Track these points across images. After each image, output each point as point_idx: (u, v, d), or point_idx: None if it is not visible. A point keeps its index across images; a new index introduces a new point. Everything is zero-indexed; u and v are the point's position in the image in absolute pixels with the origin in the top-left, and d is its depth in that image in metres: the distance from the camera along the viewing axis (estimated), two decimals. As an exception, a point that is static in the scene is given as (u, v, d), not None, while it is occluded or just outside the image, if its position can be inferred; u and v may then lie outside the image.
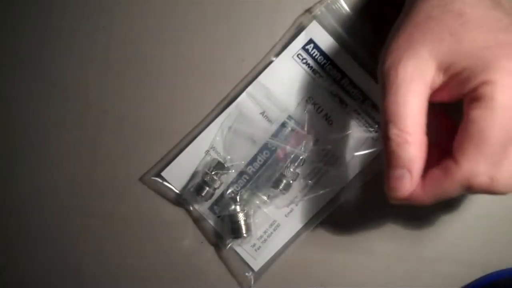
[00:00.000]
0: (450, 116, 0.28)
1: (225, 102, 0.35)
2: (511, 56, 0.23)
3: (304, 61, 0.35)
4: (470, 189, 0.25)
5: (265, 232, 0.35)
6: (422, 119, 0.25)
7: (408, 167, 0.25)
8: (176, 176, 0.36)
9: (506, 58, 0.23)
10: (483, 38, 0.24)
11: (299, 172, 0.34)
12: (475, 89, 0.24)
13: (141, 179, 0.36)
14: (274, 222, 0.35)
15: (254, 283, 0.35)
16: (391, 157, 0.26)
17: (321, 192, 0.34)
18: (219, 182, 0.35)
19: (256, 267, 0.35)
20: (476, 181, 0.24)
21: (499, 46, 0.24)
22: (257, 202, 0.35)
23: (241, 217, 0.34)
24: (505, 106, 0.23)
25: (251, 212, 0.35)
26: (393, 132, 0.25)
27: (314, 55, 0.35)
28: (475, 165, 0.24)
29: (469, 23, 0.25)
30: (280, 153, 0.35)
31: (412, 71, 0.25)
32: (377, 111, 0.34)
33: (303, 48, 0.35)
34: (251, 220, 0.35)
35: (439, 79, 0.26)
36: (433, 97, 0.26)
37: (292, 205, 0.35)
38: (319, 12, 0.34)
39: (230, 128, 0.35)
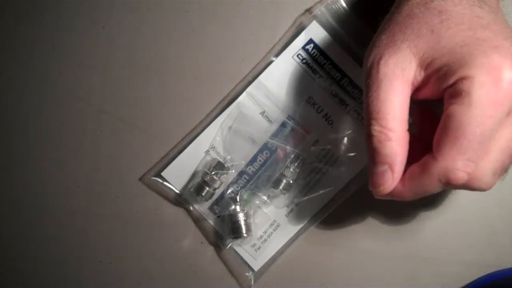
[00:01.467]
0: (434, 113, 0.28)
1: (225, 102, 0.36)
2: (489, 53, 0.23)
3: (304, 61, 0.35)
4: (449, 185, 0.25)
5: (265, 232, 0.35)
6: (404, 115, 0.26)
7: (389, 163, 0.26)
8: (176, 176, 0.36)
9: (484, 55, 0.23)
10: (462, 35, 0.24)
11: (299, 172, 0.34)
12: (453, 85, 0.24)
13: (141, 179, 0.36)
14: (274, 222, 0.35)
15: (254, 283, 0.35)
16: (374, 154, 0.26)
17: (321, 192, 0.34)
18: (219, 182, 0.35)
19: (256, 267, 0.35)
20: (453, 176, 0.24)
21: (478, 43, 0.24)
22: (257, 202, 0.35)
23: (241, 217, 0.34)
24: (482, 102, 0.23)
25: (251, 212, 0.35)
26: (375, 128, 0.26)
27: (314, 55, 0.35)
28: (452, 161, 0.24)
29: (449, 21, 0.25)
30: (280, 153, 0.35)
31: (393, 68, 0.26)
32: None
33: (303, 48, 0.35)
34: (251, 220, 0.35)
35: (420, 76, 0.26)
36: (417, 94, 0.27)
37: (292, 205, 0.35)
38: (319, 12, 0.34)
39: (230, 128, 0.35)
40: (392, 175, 0.26)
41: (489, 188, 0.25)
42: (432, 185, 0.25)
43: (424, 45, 0.25)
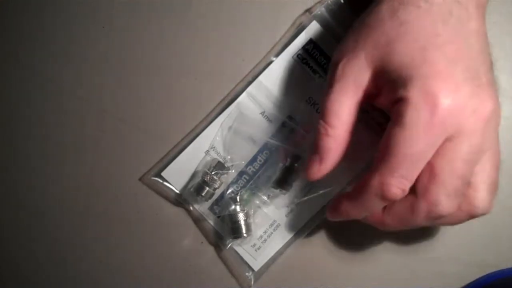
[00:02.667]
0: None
1: (225, 102, 0.36)
2: (431, 77, 0.24)
3: (304, 61, 0.35)
4: (386, 200, 0.26)
5: (265, 232, 0.35)
6: (348, 118, 0.27)
7: (320, 155, 0.28)
8: (176, 176, 0.36)
9: (424, 79, 0.24)
10: (412, 54, 0.25)
11: (299, 172, 0.34)
12: (395, 104, 0.25)
13: (141, 179, 0.36)
14: (274, 222, 0.35)
15: (254, 283, 0.35)
16: (313, 143, 0.28)
17: (321, 192, 0.34)
18: (219, 182, 0.35)
19: (256, 267, 0.35)
20: (387, 191, 0.25)
21: (423, 65, 0.24)
22: (257, 202, 0.35)
23: (241, 217, 0.34)
24: (414, 125, 0.24)
25: (251, 212, 0.35)
26: (320, 122, 0.28)
27: (314, 55, 0.35)
28: (385, 177, 0.25)
29: (406, 35, 0.25)
30: (280, 153, 0.35)
31: (348, 72, 0.27)
32: (377, 111, 0.34)
33: (303, 48, 0.35)
34: (251, 220, 0.35)
35: (372, 85, 0.27)
36: (374, 101, 0.28)
37: (292, 205, 0.35)
38: (319, 12, 0.34)
39: (230, 128, 0.35)
40: (319, 166, 0.28)
41: (450, 212, 0.26)
42: (371, 200, 0.26)
43: (378, 57, 0.26)
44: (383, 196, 0.25)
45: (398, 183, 0.25)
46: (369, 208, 0.27)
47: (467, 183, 0.26)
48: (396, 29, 0.25)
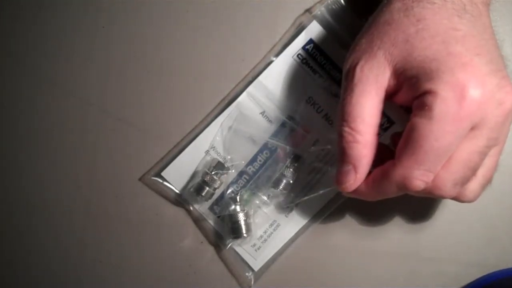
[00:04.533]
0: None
1: (225, 102, 0.35)
2: (456, 70, 0.24)
3: (304, 61, 0.35)
4: (407, 191, 0.26)
5: (265, 232, 0.35)
6: (374, 120, 0.27)
7: (354, 164, 0.27)
8: (176, 176, 0.36)
9: (451, 72, 0.24)
10: (434, 48, 0.24)
11: (299, 172, 0.34)
12: (419, 97, 0.25)
13: (141, 179, 0.36)
14: (274, 222, 0.35)
15: (254, 283, 0.35)
16: (341, 153, 0.27)
17: (321, 192, 0.34)
18: (219, 182, 0.35)
19: (256, 267, 0.35)
20: (409, 184, 0.25)
21: (448, 58, 0.24)
22: (257, 202, 0.35)
23: (241, 217, 0.34)
24: (442, 118, 0.24)
25: (251, 212, 0.35)
26: (345, 130, 0.27)
27: (314, 55, 0.35)
28: (409, 169, 0.25)
29: (424, 31, 0.25)
30: (280, 153, 0.35)
31: (367, 73, 0.26)
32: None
33: (303, 48, 0.35)
34: (251, 220, 0.35)
35: (393, 83, 0.26)
36: (393, 99, 0.27)
37: (292, 205, 0.35)
38: (319, 12, 0.34)
39: (230, 128, 0.35)
40: (355, 176, 0.27)
41: (450, 197, 0.26)
42: (391, 190, 0.26)
43: (398, 54, 0.25)
44: (405, 188, 0.25)
45: (422, 176, 0.25)
46: (387, 195, 0.27)
47: (474, 174, 0.26)
48: (414, 25, 0.25)
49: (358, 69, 0.26)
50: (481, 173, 0.27)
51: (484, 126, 0.24)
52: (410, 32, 0.25)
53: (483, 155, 0.25)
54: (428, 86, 0.24)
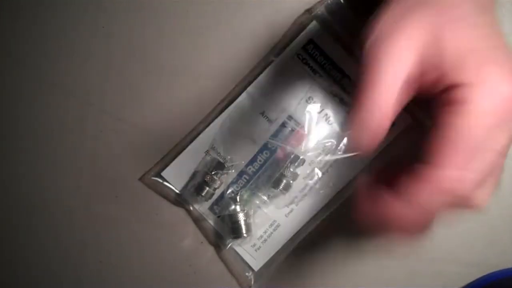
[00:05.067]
0: None
1: (225, 102, 0.35)
2: (496, 63, 0.23)
3: (304, 61, 0.35)
4: (456, 197, 0.23)
5: (265, 232, 0.35)
6: (395, 95, 0.23)
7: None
8: (176, 176, 0.36)
9: (491, 65, 0.23)
10: (471, 40, 0.23)
11: (299, 172, 0.34)
12: (451, 90, 0.23)
13: (141, 179, 0.36)
14: (274, 222, 0.35)
15: (254, 283, 0.35)
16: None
17: (321, 192, 0.34)
18: (219, 182, 0.35)
19: (256, 267, 0.35)
20: (462, 187, 0.23)
21: (486, 50, 0.23)
22: (257, 202, 0.35)
23: (241, 217, 0.34)
24: (483, 111, 0.22)
25: (251, 212, 0.35)
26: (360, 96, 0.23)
27: (314, 55, 0.35)
28: (459, 170, 0.23)
29: (461, 21, 0.24)
30: (280, 153, 0.35)
31: (391, 51, 0.23)
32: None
33: (303, 48, 0.35)
34: (251, 220, 0.35)
35: (417, 69, 0.24)
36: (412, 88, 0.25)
37: (292, 205, 0.35)
38: (319, 12, 0.34)
39: (230, 128, 0.35)
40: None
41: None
42: (432, 200, 0.23)
43: (427, 40, 0.23)
44: (454, 193, 0.23)
45: (474, 176, 0.23)
46: (428, 209, 0.23)
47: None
48: (446, 14, 0.23)
49: (381, 46, 0.23)
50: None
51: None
52: (444, 20, 0.23)
53: (503, 156, 0.24)
54: (466, 79, 0.23)
